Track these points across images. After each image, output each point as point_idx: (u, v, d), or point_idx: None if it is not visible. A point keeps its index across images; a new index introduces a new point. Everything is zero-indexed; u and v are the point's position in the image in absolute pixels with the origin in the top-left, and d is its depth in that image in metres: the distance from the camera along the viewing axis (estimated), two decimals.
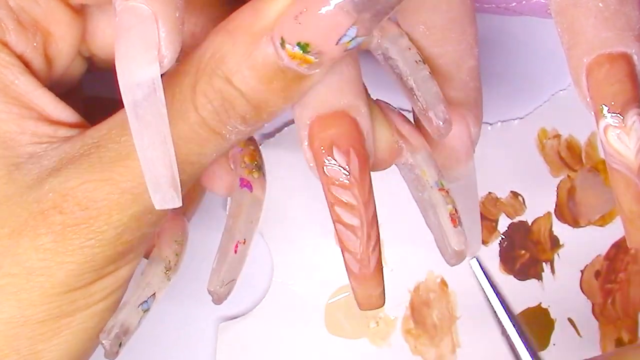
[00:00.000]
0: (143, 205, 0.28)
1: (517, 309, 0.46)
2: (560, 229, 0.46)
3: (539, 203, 0.46)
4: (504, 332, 0.28)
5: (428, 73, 0.31)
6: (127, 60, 0.26)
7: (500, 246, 0.46)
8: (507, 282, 0.46)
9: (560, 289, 0.47)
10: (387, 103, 0.32)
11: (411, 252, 0.45)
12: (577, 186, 0.46)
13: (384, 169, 0.32)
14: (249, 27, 0.27)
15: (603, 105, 0.29)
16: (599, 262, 0.47)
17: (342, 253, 0.30)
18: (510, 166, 0.46)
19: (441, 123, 0.30)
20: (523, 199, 0.46)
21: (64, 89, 0.33)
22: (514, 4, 0.39)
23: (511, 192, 0.46)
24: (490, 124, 0.45)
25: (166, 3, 0.26)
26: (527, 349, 0.28)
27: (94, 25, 0.33)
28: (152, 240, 0.34)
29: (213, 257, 0.33)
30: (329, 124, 0.29)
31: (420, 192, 0.32)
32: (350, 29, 0.26)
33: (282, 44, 0.27)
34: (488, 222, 0.46)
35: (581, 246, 0.47)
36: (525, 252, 0.46)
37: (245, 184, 0.33)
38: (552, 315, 0.46)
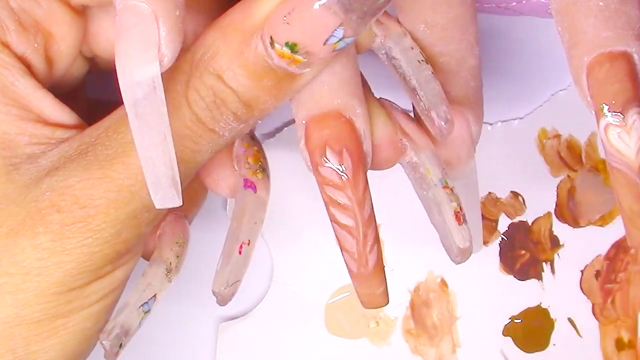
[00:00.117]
0: (141, 203, 0.28)
1: (517, 309, 0.46)
2: (560, 229, 0.46)
3: (539, 203, 0.46)
4: None
5: (431, 73, 0.31)
6: (127, 59, 0.26)
7: (500, 246, 0.46)
8: (507, 282, 0.46)
9: (560, 289, 0.47)
10: (390, 102, 0.32)
11: (411, 252, 0.45)
12: (577, 186, 0.46)
13: (388, 168, 0.32)
14: (241, 26, 0.28)
15: (603, 104, 0.29)
16: (599, 262, 0.47)
17: (341, 252, 0.30)
18: (510, 166, 0.46)
19: (443, 123, 0.30)
20: (523, 199, 0.46)
21: (65, 90, 0.33)
22: (514, 4, 0.39)
23: (511, 192, 0.46)
24: (490, 124, 0.45)
25: (166, 2, 0.26)
26: None
27: (96, 26, 0.33)
28: (152, 242, 0.34)
29: (213, 257, 0.33)
30: (323, 125, 0.29)
31: (424, 191, 0.32)
32: (337, 29, 0.26)
33: (272, 43, 0.27)
34: (488, 222, 0.46)
35: (581, 246, 0.47)
36: (525, 252, 0.46)
37: (249, 185, 0.33)
38: (552, 315, 0.46)
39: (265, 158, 0.35)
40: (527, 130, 0.46)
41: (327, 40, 0.27)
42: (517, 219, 0.46)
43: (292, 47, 0.27)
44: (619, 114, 0.28)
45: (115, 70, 0.27)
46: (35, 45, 0.31)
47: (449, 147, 0.33)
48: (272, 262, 0.45)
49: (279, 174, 0.43)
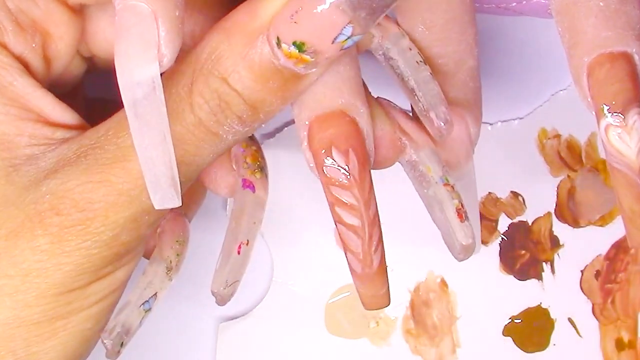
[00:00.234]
0: (140, 207, 0.28)
1: (517, 309, 0.46)
2: (560, 229, 0.46)
3: (539, 203, 0.46)
4: None
5: (429, 74, 0.31)
6: (126, 59, 0.26)
7: (500, 246, 0.46)
8: (507, 282, 0.46)
9: (560, 289, 0.47)
10: (388, 101, 0.32)
11: (411, 252, 0.45)
12: (577, 186, 0.46)
13: (388, 167, 0.32)
14: (245, 27, 0.27)
15: (604, 105, 0.29)
16: (599, 262, 0.47)
17: (345, 253, 0.30)
18: (510, 166, 0.46)
19: (442, 124, 0.30)
20: (523, 199, 0.46)
21: (64, 90, 0.33)
22: (514, 4, 0.39)
23: (511, 192, 0.46)
24: (490, 124, 0.45)
25: (166, 2, 0.26)
26: None
27: (94, 25, 0.33)
28: (152, 241, 0.34)
29: (213, 257, 0.33)
30: (328, 124, 0.29)
31: (425, 189, 0.32)
32: (346, 27, 0.26)
33: (278, 43, 0.27)
34: (488, 222, 0.46)
35: (581, 246, 0.47)
36: (525, 252, 0.46)
37: (248, 185, 0.33)
38: (552, 315, 0.46)
39: (263, 157, 0.35)
40: (527, 130, 0.46)
41: (335, 39, 0.27)
42: (517, 219, 0.46)
43: (300, 47, 0.27)
44: (619, 114, 0.28)
45: (114, 70, 0.27)
46: (33, 45, 0.31)
47: (447, 148, 0.33)
48: (272, 262, 0.45)
49: (279, 174, 0.43)
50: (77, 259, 0.28)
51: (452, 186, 0.32)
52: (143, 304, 0.33)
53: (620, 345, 0.47)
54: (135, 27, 0.26)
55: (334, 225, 0.30)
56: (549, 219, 0.46)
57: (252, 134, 0.34)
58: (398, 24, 0.32)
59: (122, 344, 0.32)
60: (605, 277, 0.47)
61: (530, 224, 0.46)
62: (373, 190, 0.29)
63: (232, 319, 0.45)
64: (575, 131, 0.46)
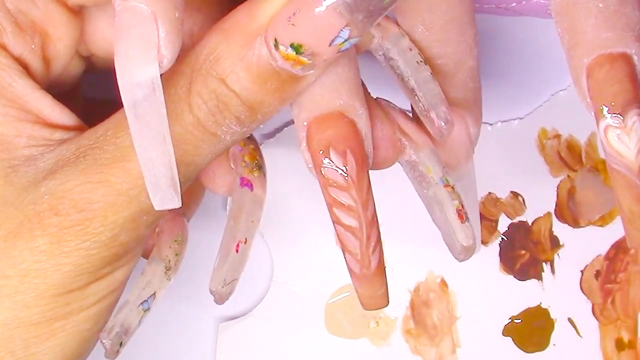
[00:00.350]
0: (139, 207, 0.28)
1: (517, 309, 0.46)
2: (560, 229, 0.46)
3: (539, 203, 0.46)
4: None
5: (429, 74, 0.31)
6: (126, 60, 0.26)
7: (500, 246, 0.46)
8: (507, 282, 0.46)
9: (560, 289, 0.47)
10: (388, 101, 0.32)
11: (411, 252, 0.45)
12: (577, 186, 0.46)
13: (387, 167, 0.32)
14: (244, 28, 0.27)
15: (603, 106, 0.29)
16: (599, 262, 0.47)
17: (343, 254, 0.30)
18: (510, 166, 0.46)
19: (443, 124, 0.30)
20: (523, 199, 0.46)
21: (62, 90, 0.33)
22: (514, 4, 0.39)
23: (511, 192, 0.46)
24: (490, 124, 0.45)
25: (166, 3, 0.26)
26: None
27: (92, 25, 0.33)
28: (151, 240, 0.34)
29: (213, 256, 0.33)
30: (326, 126, 0.29)
31: (424, 189, 0.32)
32: (343, 30, 0.26)
33: (276, 45, 0.27)
34: (488, 222, 0.46)
35: (581, 246, 0.47)
36: (525, 252, 0.46)
37: (246, 183, 0.33)
38: (552, 315, 0.46)
39: (261, 156, 0.35)
40: (527, 130, 0.46)
41: (332, 41, 0.27)
42: (517, 219, 0.46)
43: (297, 49, 0.27)
44: (618, 115, 0.28)
45: (112, 69, 0.27)
46: (33, 46, 0.31)
47: (447, 149, 0.33)
48: (272, 262, 0.45)
49: (279, 174, 0.43)
50: (76, 260, 0.28)
51: (452, 187, 0.32)
52: (142, 303, 0.33)
53: (620, 345, 0.47)
54: (135, 28, 0.26)
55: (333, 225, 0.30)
56: (549, 219, 0.46)
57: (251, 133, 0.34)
58: (398, 25, 0.32)
59: (121, 344, 0.32)
60: (605, 277, 0.47)
61: (530, 224, 0.46)
62: (371, 192, 0.29)
63: (232, 319, 0.45)
64: (575, 131, 0.46)
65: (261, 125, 0.29)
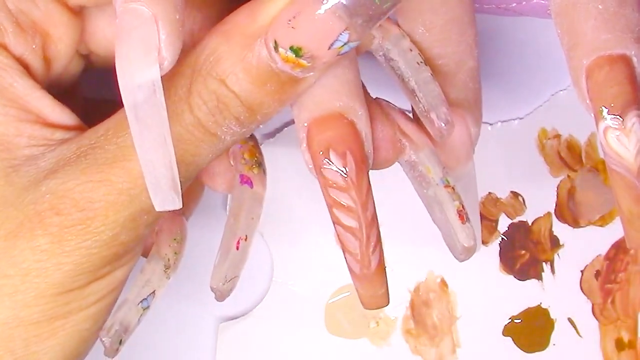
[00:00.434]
0: (140, 206, 0.28)
1: (517, 309, 0.46)
2: (560, 229, 0.46)
3: (539, 203, 0.46)
4: None
5: (430, 75, 0.31)
6: (127, 62, 0.26)
7: (500, 246, 0.46)
8: (507, 282, 0.46)
9: (560, 289, 0.47)
10: (387, 101, 0.32)
11: (411, 252, 0.45)
12: (577, 186, 0.46)
13: (387, 167, 0.32)
14: (244, 30, 0.28)
15: (602, 107, 0.29)
16: (599, 262, 0.47)
17: (343, 254, 0.30)
18: (510, 166, 0.46)
19: (443, 124, 0.30)
20: (523, 199, 0.46)
21: (62, 89, 0.33)
22: (514, 5, 0.39)
23: (511, 192, 0.46)
24: (490, 124, 0.45)
25: (166, 5, 0.26)
26: None
27: (93, 25, 0.33)
28: (150, 239, 0.34)
29: (213, 255, 0.34)
30: (326, 127, 0.29)
31: (424, 189, 0.32)
32: (343, 33, 0.26)
33: (276, 47, 0.27)
34: (488, 222, 0.46)
35: (581, 246, 0.47)
36: (525, 252, 0.46)
37: (246, 181, 0.34)
38: (552, 315, 0.46)
39: (261, 153, 0.35)
40: (527, 130, 0.46)
41: (332, 45, 0.27)
42: (517, 219, 0.46)
43: (297, 52, 0.27)
44: (618, 117, 0.28)
45: (112, 68, 0.27)
46: (33, 46, 0.31)
47: (447, 149, 0.33)
48: (272, 262, 0.45)
49: (279, 174, 0.43)
50: (77, 259, 0.28)
51: (452, 187, 0.32)
52: (141, 301, 0.33)
53: (620, 345, 0.47)
54: (136, 30, 0.26)
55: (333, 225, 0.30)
56: (549, 219, 0.46)
57: None
58: (399, 25, 0.32)
59: (120, 342, 0.32)
60: (605, 277, 0.47)
61: (530, 224, 0.46)
62: (371, 192, 0.30)
63: (232, 319, 0.45)
64: (575, 131, 0.46)
65: (261, 126, 0.29)
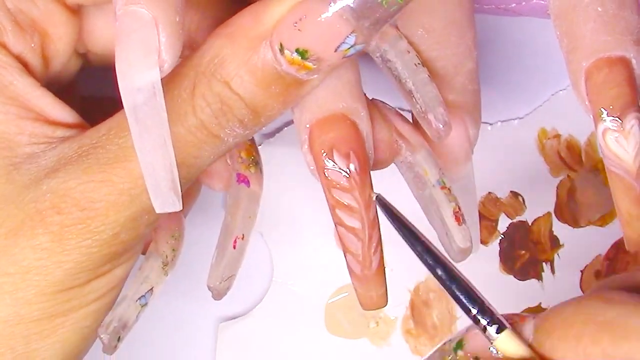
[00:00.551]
0: (140, 206, 0.28)
1: (517, 309, 0.46)
2: (560, 229, 0.46)
3: (539, 203, 0.46)
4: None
5: (427, 76, 0.31)
6: (127, 64, 0.26)
7: (500, 246, 0.46)
8: (507, 282, 0.46)
9: (560, 289, 0.47)
10: (384, 103, 0.32)
11: (411, 253, 0.45)
12: (577, 186, 0.46)
13: (383, 168, 0.32)
14: (249, 32, 0.28)
15: (602, 109, 0.29)
16: (599, 262, 0.47)
17: (344, 254, 0.30)
18: (510, 166, 0.46)
19: (441, 126, 0.31)
20: (523, 199, 0.46)
21: (60, 87, 0.33)
22: (513, 5, 0.39)
23: (511, 192, 0.46)
24: (490, 124, 0.45)
25: (166, 7, 0.26)
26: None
27: (91, 24, 0.33)
28: (149, 237, 0.34)
29: (212, 254, 0.34)
30: (329, 128, 0.29)
31: (420, 190, 0.32)
32: (349, 36, 0.26)
33: (281, 49, 0.27)
34: (488, 222, 0.46)
35: (581, 246, 0.47)
36: (525, 252, 0.46)
37: (243, 179, 0.34)
38: None
39: (257, 152, 0.35)
40: (527, 130, 0.46)
41: (338, 47, 0.27)
42: (517, 219, 0.46)
43: (303, 54, 0.27)
44: (617, 118, 0.28)
45: (109, 66, 0.27)
46: (32, 45, 0.31)
47: (446, 150, 0.33)
48: (272, 262, 0.45)
49: (279, 173, 0.43)
50: (77, 257, 0.28)
51: (448, 189, 0.32)
52: (139, 298, 0.33)
53: None
54: (136, 33, 0.26)
55: (334, 226, 0.30)
56: (548, 219, 0.46)
57: None
58: (396, 27, 0.32)
59: (119, 339, 0.32)
60: (605, 277, 0.47)
61: (530, 224, 0.46)
62: (373, 192, 0.30)
63: (231, 319, 0.45)
64: (575, 131, 0.46)
65: (263, 128, 0.29)
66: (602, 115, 0.29)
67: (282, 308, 0.45)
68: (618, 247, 0.47)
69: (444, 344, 0.28)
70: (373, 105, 0.31)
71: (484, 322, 0.26)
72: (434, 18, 0.32)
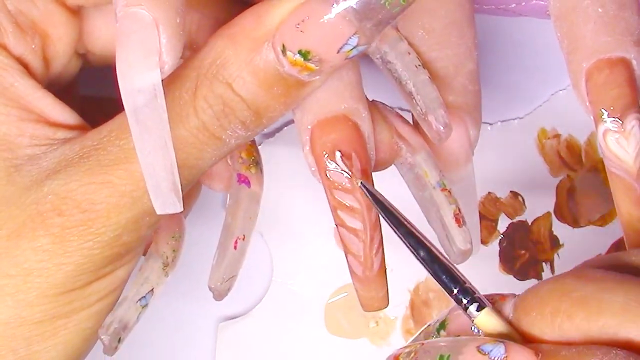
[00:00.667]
0: (141, 208, 0.28)
1: None
2: (560, 229, 0.46)
3: (539, 203, 0.46)
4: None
5: (427, 77, 0.31)
6: (127, 66, 0.26)
7: (500, 246, 0.46)
8: (507, 282, 0.46)
9: None
10: (384, 104, 0.32)
11: (411, 253, 0.45)
12: (577, 186, 0.46)
13: (383, 169, 0.32)
14: (251, 33, 0.28)
15: (602, 110, 0.29)
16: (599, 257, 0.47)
17: (346, 256, 0.30)
18: (510, 166, 0.46)
19: (441, 127, 0.31)
20: (523, 199, 0.46)
21: (60, 88, 0.33)
22: (513, 5, 0.39)
23: (511, 192, 0.46)
24: (490, 124, 0.45)
25: (167, 9, 0.26)
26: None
27: (91, 25, 0.33)
28: (149, 239, 0.34)
29: (212, 254, 0.34)
30: (331, 129, 0.29)
31: (420, 192, 0.32)
32: (352, 37, 0.26)
33: (284, 50, 0.27)
34: (488, 222, 0.46)
35: (581, 246, 0.47)
36: (525, 252, 0.46)
37: (243, 180, 0.34)
38: None
39: (258, 153, 0.35)
40: (527, 130, 0.46)
41: (341, 48, 0.27)
42: (517, 219, 0.46)
43: (305, 55, 0.27)
44: (617, 119, 0.28)
45: (108, 66, 0.27)
46: (33, 46, 0.31)
47: (447, 151, 0.33)
48: (272, 262, 0.45)
49: (279, 173, 0.43)
50: (79, 259, 0.28)
51: (449, 190, 0.32)
52: (140, 299, 0.33)
53: None
54: (136, 34, 0.26)
55: (334, 226, 0.30)
56: (548, 218, 0.46)
57: None
58: (397, 29, 0.32)
59: (119, 340, 0.32)
60: None
61: (530, 224, 0.46)
62: None
63: (231, 319, 0.45)
64: (575, 131, 0.46)
65: (264, 129, 0.29)
66: (603, 116, 0.29)
67: (282, 308, 0.45)
68: (618, 247, 0.47)
69: (428, 325, 0.28)
70: (373, 107, 0.31)
71: (465, 301, 0.26)
72: (434, 19, 0.32)
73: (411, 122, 0.33)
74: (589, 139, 0.46)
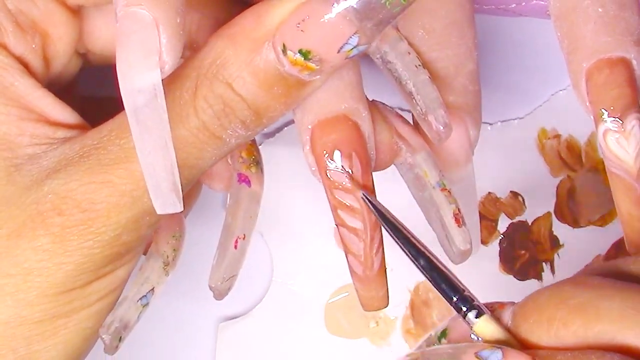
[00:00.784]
0: (142, 208, 0.28)
1: None
2: (560, 229, 0.46)
3: (539, 203, 0.46)
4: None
5: (427, 77, 0.31)
6: (127, 66, 0.26)
7: (500, 246, 0.46)
8: (507, 282, 0.46)
9: None
10: (384, 104, 0.32)
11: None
12: (577, 186, 0.46)
13: (383, 169, 0.32)
14: (251, 33, 0.28)
15: (602, 110, 0.29)
16: (599, 262, 0.47)
17: (346, 255, 0.30)
18: (510, 166, 0.46)
19: (441, 127, 0.31)
20: (523, 199, 0.46)
21: (60, 88, 0.33)
22: (513, 5, 0.39)
23: (511, 192, 0.46)
24: (490, 124, 0.45)
25: (167, 9, 0.26)
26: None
27: (91, 24, 0.33)
28: (150, 238, 0.34)
29: (213, 254, 0.34)
30: (331, 129, 0.29)
31: (420, 192, 0.32)
32: (352, 37, 0.26)
33: (284, 50, 0.27)
34: (488, 222, 0.46)
35: (581, 246, 0.47)
36: (525, 252, 0.46)
37: (244, 179, 0.34)
38: None
39: (258, 152, 0.35)
40: (527, 130, 0.46)
41: (341, 48, 0.27)
42: (517, 219, 0.46)
43: (306, 55, 0.27)
44: (617, 119, 0.28)
45: (108, 66, 0.27)
46: (33, 46, 0.31)
47: (447, 151, 0.33)
48: (272, 262, 0.45)
49: (279, 173, 0.43)
50: (79, 259, 0.28)
51: (448, 191, 0.32)
52: (140, 299, 0.33)
53: None
54: (136, 34, 0.26)
55: (334, 226, 0.30)
56: (548, 219, 0.46)
57: None
58: (397, 29, 0.32)
59: (120, 339, 0.32)
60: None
61: (530, 224, 0.46)
62: (374, 193, 0.30)
63: (231, 319, 0.45)
64: (575, 131, 0.46)
65: (265, 129, 0.29)
66: (603, 116, 0.29)
67: (282, 308, 0.45)
68: (618, 247, 0.47)
69: (430, 334, 0.28)
70: (373, 107, 0.31)
71: (464, 309, 0.27)
72: (435, 19, 0.32)
73: (411, 122, 0.33)
74: (589, 139, 0.46)
